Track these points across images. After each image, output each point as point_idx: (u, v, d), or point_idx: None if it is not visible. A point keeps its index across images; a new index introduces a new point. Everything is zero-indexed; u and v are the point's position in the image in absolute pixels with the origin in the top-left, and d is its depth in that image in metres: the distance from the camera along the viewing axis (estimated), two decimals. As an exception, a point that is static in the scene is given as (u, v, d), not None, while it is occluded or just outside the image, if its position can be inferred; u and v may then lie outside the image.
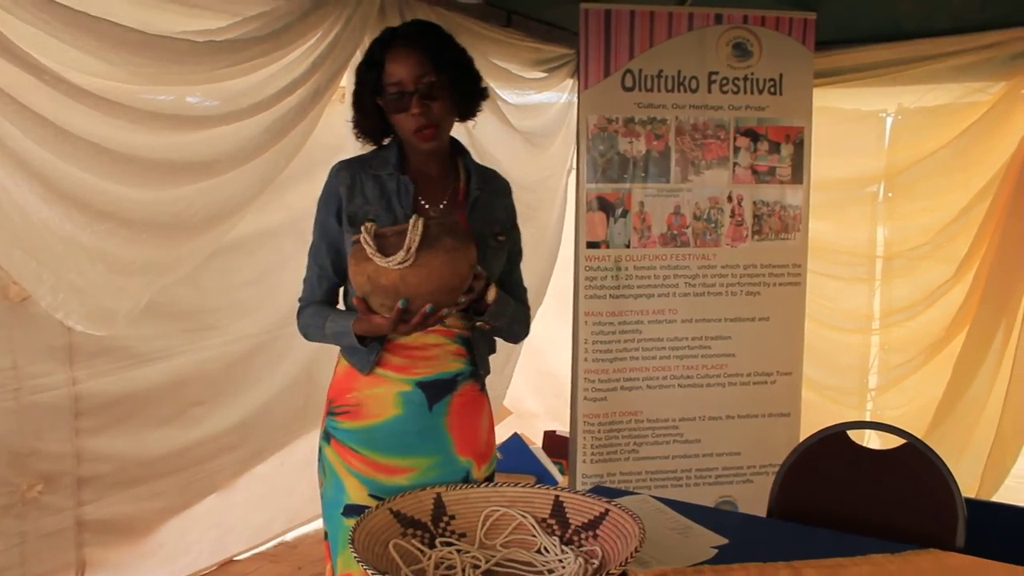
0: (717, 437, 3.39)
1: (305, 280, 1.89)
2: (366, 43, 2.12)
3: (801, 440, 2.12)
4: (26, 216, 1.92)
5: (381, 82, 1.75)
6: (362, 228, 1.62)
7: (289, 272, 2.86)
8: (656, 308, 3.32)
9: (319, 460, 1.89)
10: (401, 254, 1.57)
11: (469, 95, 1.85)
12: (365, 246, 1.59)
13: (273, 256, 3.03)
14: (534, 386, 4.97)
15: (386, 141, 1.86)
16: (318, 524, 2.50)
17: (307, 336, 1.87)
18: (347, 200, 1.79)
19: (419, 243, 1.57)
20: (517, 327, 1.93)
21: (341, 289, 1.91)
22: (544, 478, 4.12)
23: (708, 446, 3.39)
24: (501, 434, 4.60)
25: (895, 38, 3.59)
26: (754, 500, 3.21)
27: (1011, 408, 3.48)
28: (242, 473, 3.14)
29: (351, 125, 1.85)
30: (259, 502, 3.32)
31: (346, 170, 1.82)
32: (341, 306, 1.92)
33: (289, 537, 3.52)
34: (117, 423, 2.63)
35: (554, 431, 4.64)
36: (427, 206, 1.82)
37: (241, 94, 2.33)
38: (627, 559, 1.38)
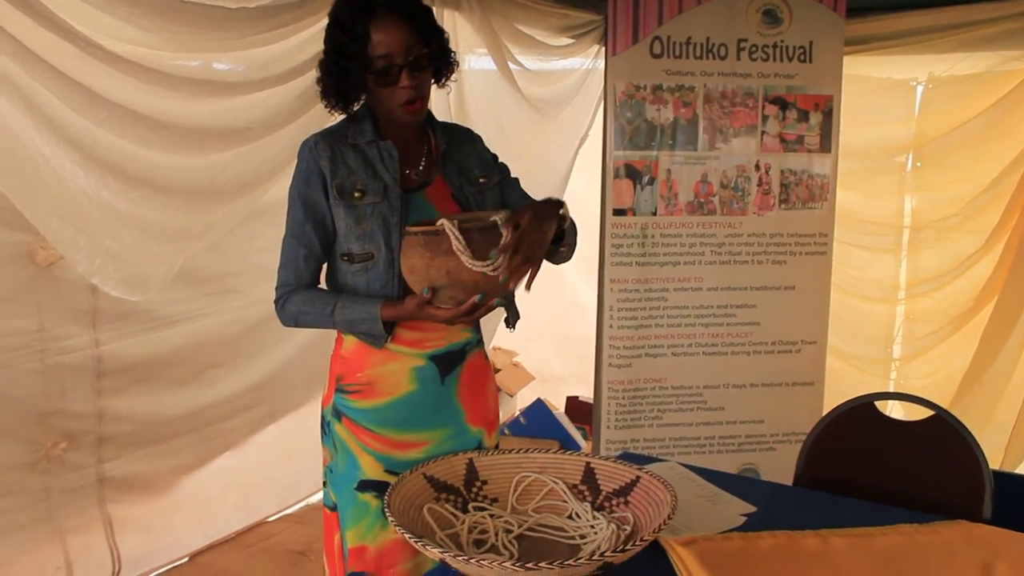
0: (741, 405, 3.40)
1: (284, 265, 1.78)
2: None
3: (826, 409, 2.12)
4: (63, 183, 1.94)
5: (366, 54, 1.67)
6: (443, 222, 1.56)
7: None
8: (682, 276, 3.33)
9: (326, 434, 1.85)
10: (502, 259, 1.53)
11: (448, 64, 1.81)
12: (455, 242, 1.54)
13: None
14: (560, 349, 5.00)
15: (355, 107, 1.81)
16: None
17: (297, 324, 1.78)
18: (331, 173, 1.73)
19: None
20: (576, 238, 1.89)
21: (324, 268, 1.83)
22: (567, 443, 4.17)
23: (732, 414, 3.40)
24: (524, 399, 4.68)
25: (929, 5, 3.51)
26: (777, 468, 3.23)
27: (1037, 380, 3.47)
28: (254, 432, 3.17)
29: (321, 92, 1.77)
30: (284, 464, 3.36)
31: (323, 143, 1.75)
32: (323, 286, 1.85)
33: (315, 499, 3.57)
34: (137, 384, 2.67)
35: (577, 397, 4.68)
36: (408, 171, 1.79)
37: (274, 60, 2.34)
38: (660, 526, 1.39)
